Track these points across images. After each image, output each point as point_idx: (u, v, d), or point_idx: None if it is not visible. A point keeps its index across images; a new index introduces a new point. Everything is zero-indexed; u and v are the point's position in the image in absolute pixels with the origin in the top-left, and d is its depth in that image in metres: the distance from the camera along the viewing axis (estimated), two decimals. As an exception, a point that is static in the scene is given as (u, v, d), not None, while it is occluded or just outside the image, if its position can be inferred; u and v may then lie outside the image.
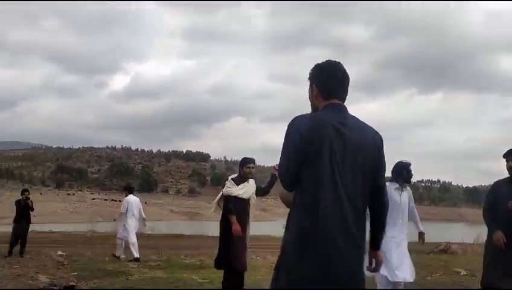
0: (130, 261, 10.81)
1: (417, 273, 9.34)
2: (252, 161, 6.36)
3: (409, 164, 5.60)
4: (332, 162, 2.33)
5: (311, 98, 2.60)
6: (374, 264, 2.64)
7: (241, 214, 6.10)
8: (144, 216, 11.90)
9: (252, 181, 6.27)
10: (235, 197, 6.09)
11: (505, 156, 4.83)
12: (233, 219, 6.01)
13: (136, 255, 11.06)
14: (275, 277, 2.45)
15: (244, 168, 6.29)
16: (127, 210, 11.26)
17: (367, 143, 2.43)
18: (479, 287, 7.79)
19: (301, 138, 2.35)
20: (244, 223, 6.10)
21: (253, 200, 6.25)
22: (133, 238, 11.19)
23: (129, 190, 11.96)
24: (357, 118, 2.51)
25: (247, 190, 6.19)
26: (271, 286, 2.46)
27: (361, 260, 2.39)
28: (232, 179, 6.32)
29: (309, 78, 2.61)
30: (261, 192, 6.34)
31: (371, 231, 2.60)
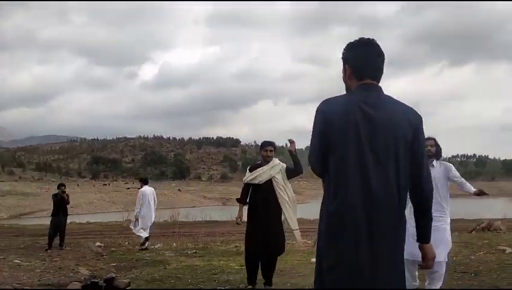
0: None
1: (460, 252, 9.17)
2: (269, 144, 6.17)
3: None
4: (358, 146, 2.21)
5: (345, 78, 2.45)
6: (424, 260, 2.42)
7: (260, 201, 5.95)
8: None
9: (273, 164, 6.03)
10: (248, 184, 6.07)
11: None
12: (239, 207, 6.18)
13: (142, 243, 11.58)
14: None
15: (262, 151, 6.15)
16: (142, 201, 11.78)
17: (399, 124, 2.25)
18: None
19: (325, 121, 2.27)
20: (264, 209, 5.89)
21: (279, 183, 5.94)
22: (145, 227, 11.73)
23: (144, 181, 12.39)
24: (392, 98, 2.35)
25: (259, 174, 5.99)
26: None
27: (391, 249, 2.22)
28: (250, 166, 6.31)
29: (342, 58, 2.46)
30: (293, 173, 6.12)
31: (416, 222, 2.40)
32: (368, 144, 2.21)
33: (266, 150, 6.11)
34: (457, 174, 5.55)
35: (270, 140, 6.27)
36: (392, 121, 2.25)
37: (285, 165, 6.09)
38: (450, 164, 5.61)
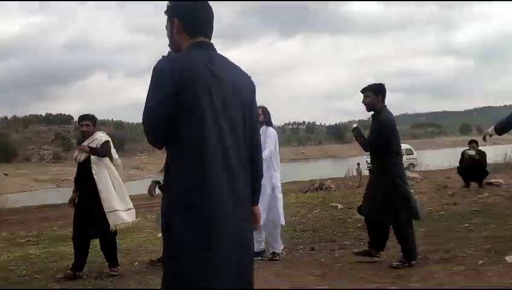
0: None
1: (298, 212, 9.79)
2: (83, 118, 5.59)
3: None
4: (213, 110, 2.00)
5: (171, 35, 2.19)
6: (253, 222, 2.29)
7: (81, 180, 5.50)
8: None
9: (91, 139, 5.48)
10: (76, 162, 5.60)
11: (362, 91, 5.00)
12: (74, 187, 5.62)
13: None
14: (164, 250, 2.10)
15: (79, 126, 5.64)
16: None
17: (244, 88, 2.15)
18: (355, 217, 8.29)
19: (174, 82, 1.96)
20: (83, 189, 5.46)
21: (92, 161, 5.39)
22: None
23: None
24: (228, 59, 2.19)
25: (78, 152, 5.57)
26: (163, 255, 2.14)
27: (249, 218, 2.16)
28: (76, 141, 5.89)
29: (168, 12, 2.20)
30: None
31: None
32: (221, 109, 2.03)
33: (82, 125, 5.56)
34: (268, 139, 5.63)
35: (89, 113, 5.67)
36: (238, 83, 2.13)
37: (103, 140, 5.54)
38: (272, 130, 5.72)
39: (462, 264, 4.53)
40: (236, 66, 2.21)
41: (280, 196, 5.79)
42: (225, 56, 2.19)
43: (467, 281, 3.95)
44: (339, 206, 9.86)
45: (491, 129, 4.06)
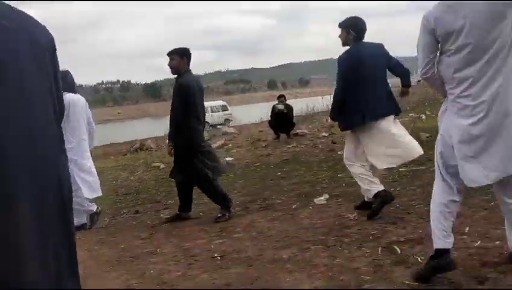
0: None
1: (119, 176, 9.56)
2: None
3: None
4: (4, 74, 1.65)
5: None
6: None
7: None
8: None
9: None
10: None
11: (168, 54, 5.07)
12: None
13: None
14: None
15: None
16: None
17: (41, 36, 1.85)
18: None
19: None
20: None
21: None
22: None
23: None
24: (13, 6, 1.83)
25: None
26: None
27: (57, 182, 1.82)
28: None
29: None
30: None
31: None
32: (15, 71, 1.69)
33: None
34: (83, 111, 5.39)
35: None
36: (33, 35, 1.81)
37: None
38: (78, 98, 5.34)
39: (279, 210, 4.94)
40: (24, 13, 1.87)
41: (74, 168, 5.39)
42: (10, 4, 1.82)
43: (283, 225, 4.32)
44: (161, 165, 9.84)
45: (330, 120, 4.53)
